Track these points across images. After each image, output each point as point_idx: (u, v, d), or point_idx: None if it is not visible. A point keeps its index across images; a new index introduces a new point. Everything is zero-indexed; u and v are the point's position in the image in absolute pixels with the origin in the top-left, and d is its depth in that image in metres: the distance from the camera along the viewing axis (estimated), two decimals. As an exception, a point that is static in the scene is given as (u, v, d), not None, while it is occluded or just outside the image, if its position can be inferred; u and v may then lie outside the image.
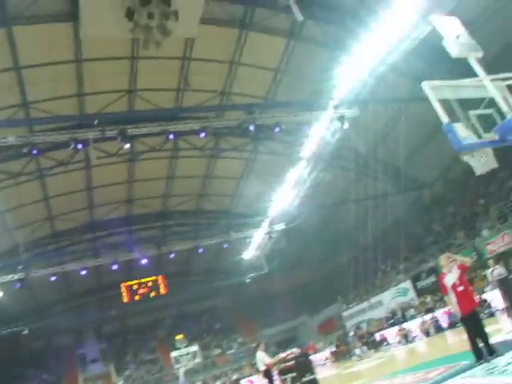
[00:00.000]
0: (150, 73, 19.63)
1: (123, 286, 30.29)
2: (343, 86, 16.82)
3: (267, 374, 11.18)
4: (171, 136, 18.16)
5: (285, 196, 24.26)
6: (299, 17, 15.14)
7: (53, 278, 26.49)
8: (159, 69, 19.66)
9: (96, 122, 16.78)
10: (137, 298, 30.45)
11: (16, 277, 23.95)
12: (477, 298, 7.55)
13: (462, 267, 7.48)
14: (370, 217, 30.29)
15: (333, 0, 17.34)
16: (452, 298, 7.31)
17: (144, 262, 28.25)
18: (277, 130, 18.65)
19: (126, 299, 30.20)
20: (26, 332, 29.93)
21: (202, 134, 18.41)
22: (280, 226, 28.70)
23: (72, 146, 16.37)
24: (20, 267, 24.07)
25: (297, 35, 19.30)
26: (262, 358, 11.30)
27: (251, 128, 18.15)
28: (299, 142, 20.66)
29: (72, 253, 28.36)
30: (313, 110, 18.61)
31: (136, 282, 30.81)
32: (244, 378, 30.59)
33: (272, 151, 24.01)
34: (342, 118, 18.34)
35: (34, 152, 16.95)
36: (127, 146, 17.33)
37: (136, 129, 17.50)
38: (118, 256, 27.29)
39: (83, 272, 26.52)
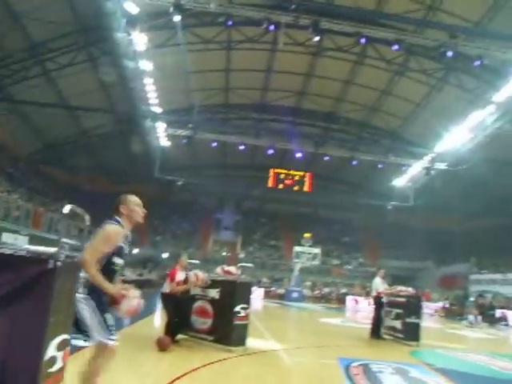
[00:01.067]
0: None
1: (272, 171, 31.66)
2: None
3: (377, 300, 11.33)
4: (363, 40, 17.43)
5: (458, 136, 22.45)
6: None
7: (214, 144, 28.72)
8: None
9: (293, 6, 16.63)
10: (281, 186, 31.73)
11: (185, 133, 26.46)
12: None
13: None
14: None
15: None
16: None
17: (298, 155, 29.04)
18: (477, 63, 16.81)
19: (270, 184, 31.71)
20: (180, 183, 33.36)
21: (395, 47, 17.34)
22: (441, 165, 26.98)
23: (264, 25, 16.65)
24: (190, 125, 26.41)
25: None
26: (378, 284, 11.41)
27: (449, 54, 16.58)
28: (497, 83, 18.43)
29: (237, 127, 30.06)
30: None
31: (285, 171, 31.96)
32: (352, 294, 31.43)
33: (463, 85, 21.85)
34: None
35: (229, 23, 17.64)
36: (317, 38, 17.11)
37: (330, 23, 17.06)
38: (276, 142, 28.37)
39: (241, 147, 28.09)
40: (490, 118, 20.60)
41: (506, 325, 21.34)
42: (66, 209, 3.37)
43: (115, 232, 3.60)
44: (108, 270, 3.58)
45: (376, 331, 11.01)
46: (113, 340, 3.51)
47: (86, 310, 3.45)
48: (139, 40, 18.11)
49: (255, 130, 30.62)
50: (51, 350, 3.00)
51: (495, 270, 31.06)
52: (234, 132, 28.91)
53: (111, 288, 3.50)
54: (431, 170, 27.22)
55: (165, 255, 35.57)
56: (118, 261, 3.70)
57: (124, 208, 3.75)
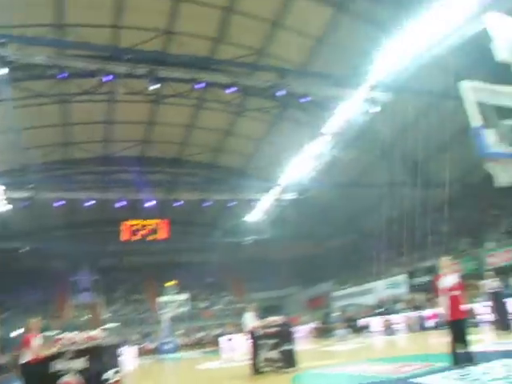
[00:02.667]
0: (190, 17, 19.40)
1: (125, 224, 30.69)
2: (382, 68, 16.48)
3: (252, 335, 11.41)
4: (200, 85, 18.07)
5: (301, 166, 24.20)
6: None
7: (58, 204, 26.94)
8: (200, 15, 19.39)
9: (128, 57, 16.66)
10: (136, 237, 30.87)
11: (25, 195, 24.36)
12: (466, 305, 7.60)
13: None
14: (380, 204, 30.23)
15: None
16: (445, 300, 7.33)
17: (150, 204, 28.54)
18: (306, 99, 18.43)
19: (124, 237, 30.67)
20: (25, 249, 30.63)
21: (231, 89, 18.31)
22: (290, 195, 28.70)
23: (100, 76, 16.37)
24: (30, 186, 24.43)
25: (346, 7, 18.83)
26: (249, 319, 11.49)
27: (280, 93, 17.98)
28: (326, 115, 20.41)
29: (81, 182, 28.64)
30: (346, 86, 18.33)
31: (138, 222, 31.21)
32: (225, 334, 31.33)
33: (297, 120, 23.82)
34: (373, 101, 18.08)
35: (64, 75, 16.90)
36: (155, 86, 17.27)
37: (166, 71, 17.41)
38: (126, 193, 27.60)
39: (89, 203, 26.87)
40: (326, 147, 22.55)
41: (370, 331, 23.02)
42: None
43: None
44: None
45: (255, 366, 11.05)
46: None
47: None
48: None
49: (102, 184, 29.55)
50: None
51: (353, 283, 33.51)
52: (80, 188, 27.54)
53: None
54: (281, 202, 28.78)
55: (16, 333, 31.76)
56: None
57: None
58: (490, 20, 7.18)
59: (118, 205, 27.38)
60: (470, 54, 17.19)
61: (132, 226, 30.84)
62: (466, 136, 15.67)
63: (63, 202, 27.28)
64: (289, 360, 10.56)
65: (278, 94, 18.13)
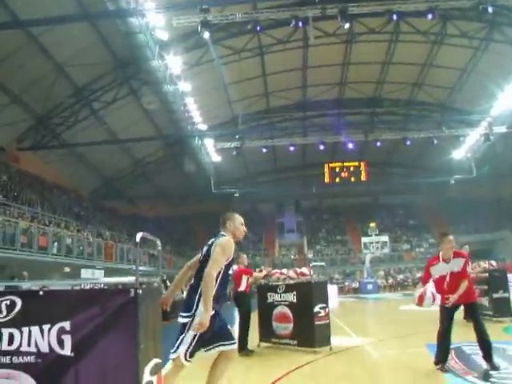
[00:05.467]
0: None
1: (326, 167, 31.36)
2: None
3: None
4: (394, 16, 17.00)
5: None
6: None
7: (264, 150, 28.98)
8: None
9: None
10: (337, 180, 31.37)
11: (233, 145, 26.77)
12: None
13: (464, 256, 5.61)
14: None
15: None
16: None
17: (350, 146, 28.68)
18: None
19: (327, 179, 31.39)
20: (237, 195, 33.78)
21: (430, 16, 16.77)
22: (501, 129, 25.68)
23: (292, 23, 16.62)
24: (237, 136, 26.70)
25: None
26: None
27: (489, 9, 15.77)
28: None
29: (283, 129, 30.07)
30: None
31: (339, 164, 31.59)
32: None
33: (510, 39, 20.70)
34: None
35: (258, 28, 17.73)
36: (347, 25, 16.82)
37: (358, 7, 16.80)
38: (325, 137, 28.13)
39: (291, 148, 28.15)
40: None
41: None
42: (138, 237, 3.46)
43: (230, 244, 3.83)
44: (224, 281, 3.80)
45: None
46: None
47: (195, 332, 3.58)
48: (174, 64, 18.61)
49: (302, 129, 30.56)
50: (146, 376, 3.11)
51: None
52: (282, 135, 28.99)
53: (210, 311, 3.55)
54: (490, 136, 25.98)
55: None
56: (231, 272, 4.03)
57: (230, 224, 4.00)
58: None
59: (319, 148, 28.06)
60: None
61: (333, 168, 31.33)
62: None
63: (267, 149, 29.24)
64: (502, 309, 9.83)
65: (487, 10, 15.84)
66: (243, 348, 7.55)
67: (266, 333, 8.26)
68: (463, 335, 6.82)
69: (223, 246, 3.74)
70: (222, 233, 3.95)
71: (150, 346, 3.22)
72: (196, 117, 23.44)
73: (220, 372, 3.85)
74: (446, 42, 23.41)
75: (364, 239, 33.23)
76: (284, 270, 8.87)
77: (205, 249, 3.90)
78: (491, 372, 5.17)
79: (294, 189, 39.20)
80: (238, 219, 4.07)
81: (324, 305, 7.64)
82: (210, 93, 24.15)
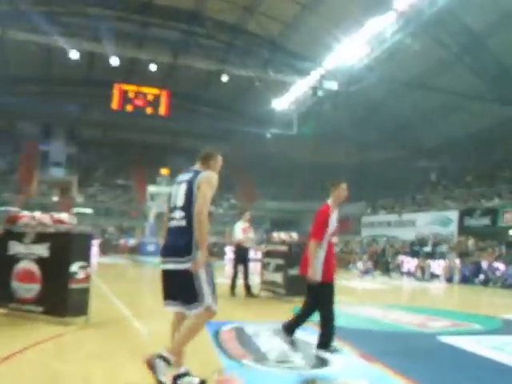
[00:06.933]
0: None
1: (117, 87, 30.58)
2: None
3: (237, 250, 11.73)
4: None
5: (352, 49, 23.42)
6: None
7: (34, 48, 26.75)
8: None
9: None
10: (129, 107, 30.89)
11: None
12: None
13: None
14: (444, 117, 29.45)
15: None
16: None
17: (151, 67, 28.05)
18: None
19: (115, 105, 30.74)
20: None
21: None
22: (332, 85, 28.03)
23: None
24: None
25: None
26: (239, 231, 11.60)
27: None
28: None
29: (66, 25, 27.94)
30: None
31: (134, 87, 31.05)
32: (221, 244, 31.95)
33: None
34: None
35: None
36: None
37: None
38: (121, 48, 27.10)
39: (74, 55, 26.62)
40: (389, 29, 21.65)
41: (400, 272, 23.46)
42: None
43: (215, 177, 4.62)
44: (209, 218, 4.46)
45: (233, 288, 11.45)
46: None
47: (205, 275, 4.32)
48: None
49: (93, 32, 28.78)
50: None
51: (390, 210, 33.74)
52: (63, 33, 26.96)
53: (205, 248, 4.33)
54: (319, 90, 28.19)
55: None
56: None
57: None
58: None
59: (111, 63, 27.02)
60: None
61: (126, 91, 30.67)
62: None
63: (40, 48, 27.04)
64: (295, 287, 10.33)
65: None
66: None
67: (2, 295, 7.80)
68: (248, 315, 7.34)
69: (210, 181, 4.54)
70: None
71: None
72: None
73: None
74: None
75: (151, 188, 33.54)
76: (37, 214, 8.35)
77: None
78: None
79: (70, 110, 37.39)
80: None
81: (85, 263, 7.49)
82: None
